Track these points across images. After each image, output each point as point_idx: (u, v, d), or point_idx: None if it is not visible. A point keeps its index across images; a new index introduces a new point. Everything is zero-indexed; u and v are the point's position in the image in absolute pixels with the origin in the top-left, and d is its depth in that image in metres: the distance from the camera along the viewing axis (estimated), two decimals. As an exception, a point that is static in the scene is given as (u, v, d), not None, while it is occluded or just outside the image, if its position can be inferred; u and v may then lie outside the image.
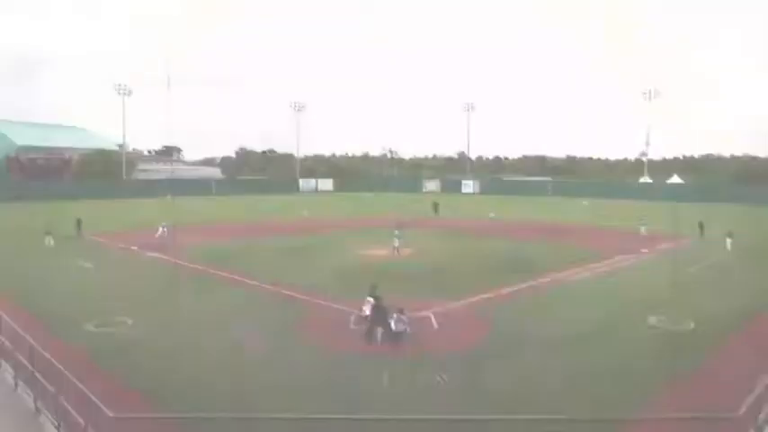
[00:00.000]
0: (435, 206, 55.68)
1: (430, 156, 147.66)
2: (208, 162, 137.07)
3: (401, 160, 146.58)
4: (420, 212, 51.92)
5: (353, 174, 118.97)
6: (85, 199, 62.28)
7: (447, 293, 20.46)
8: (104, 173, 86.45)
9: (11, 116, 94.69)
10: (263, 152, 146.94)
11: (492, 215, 50.48)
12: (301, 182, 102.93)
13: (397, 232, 31.02)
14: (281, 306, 19.36)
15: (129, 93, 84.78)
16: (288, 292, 21.20)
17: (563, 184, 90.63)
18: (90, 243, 35.02)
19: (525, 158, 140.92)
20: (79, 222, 38.90)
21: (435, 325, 17.26)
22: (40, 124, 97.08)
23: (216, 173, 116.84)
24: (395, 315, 15.88)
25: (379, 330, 15.88)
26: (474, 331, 16.65)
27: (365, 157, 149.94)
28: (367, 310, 15.94)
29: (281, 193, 73.91)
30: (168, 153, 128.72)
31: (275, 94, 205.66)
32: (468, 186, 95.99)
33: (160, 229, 36.68)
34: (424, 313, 18.03)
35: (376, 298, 16.30)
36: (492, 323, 17.41)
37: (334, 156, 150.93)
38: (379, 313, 15.77)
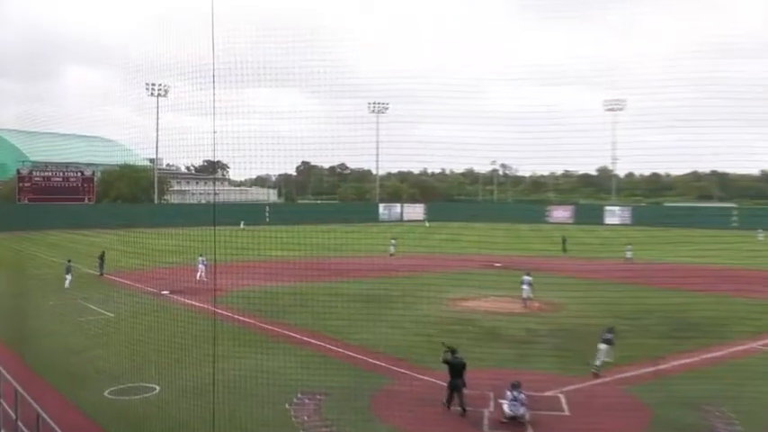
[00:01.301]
0: (564, 242, 56.97)
1: (558, 172, 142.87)
2: (260, 182, 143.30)
3: (518, 179, 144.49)
4: (543, 250, 50.81)
5: (452, 197, 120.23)
6: (109, 226, 65.62)
7: (585, 365, 20.10)
8: (132, 194, 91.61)
9: (23, 124, 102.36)
10: (332, 168, 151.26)
11: (629, 254, 51.21)
12: (382, 207, 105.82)
13: (527, 278, 31.62)
14: (352, 374, 19.82)
15: (165, 93, 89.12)
16: (362, 356, 21.82)
17: (756, 212, 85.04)
18: (113, 285, 37.64)
19: (697, 176, 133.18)
20: (103, 257, 41.91)
21: (566, 409, 16.82)
22: (56, 134, 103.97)
23: (270, 195, 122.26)
24: (509, 393, 15.74)
25: (486, 412, 16.08)
26: (625, 420, 15.94)
27: (469, 175, 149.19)
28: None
29: (354, 222, 75.83)
30: (211, 170, 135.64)
31: (348, 91, 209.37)
32: (614, 215, 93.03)
33: (200, 267, 39.14)
34: (550, 392, 17.83)
35: (452, 351, 16.80)
36: (653, 409, 16.72)
37: (425, 173, 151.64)
38: (456, 372, 16.17)
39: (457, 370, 16.30)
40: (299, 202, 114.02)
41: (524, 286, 31.46)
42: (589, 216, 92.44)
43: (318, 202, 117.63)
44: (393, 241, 57.37)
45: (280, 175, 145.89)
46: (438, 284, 35.27)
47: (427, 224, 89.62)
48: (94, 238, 57.63)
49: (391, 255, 53.63)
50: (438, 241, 56.28)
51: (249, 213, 74.59)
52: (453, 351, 16.79)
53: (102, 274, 41.93)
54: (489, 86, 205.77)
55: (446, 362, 16.58)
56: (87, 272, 40.73)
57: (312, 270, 39.16)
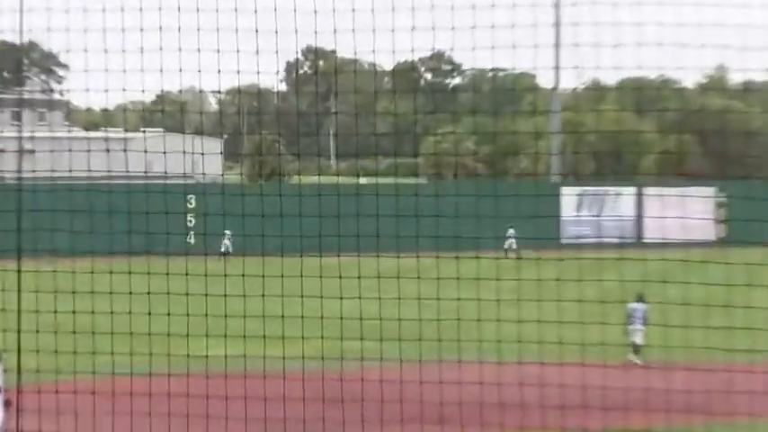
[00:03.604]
0: None
1: None
2: (174, 123, 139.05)
3: None
4: None
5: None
6: None
7: None
8: None
9: None
10: (406, 68, 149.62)
11: None
12: (572, 197, 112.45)
13: None
14: None
15: None
16: None
17: None
18: None
19: None
20: None
21: None
22: None
23: (209, 160, 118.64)
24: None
25: None
26: None
27: None
28: None
29: (483, 245, 71.30)
30: (12, 76, 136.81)
31: None
32: None
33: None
34: None
35: None
36: None
37: (716, 80, 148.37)
38: None
39: None
40: (300, 179, 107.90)
41: None
42: None
43: (363, 181, 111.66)
44: (640, 309, 59.36)
45: (229, 94, 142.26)
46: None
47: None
48: None
49: (636, 357, 56.60)
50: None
51: (144, 222, 72.02)
52: None
53: None
54: None
55: None
56: None
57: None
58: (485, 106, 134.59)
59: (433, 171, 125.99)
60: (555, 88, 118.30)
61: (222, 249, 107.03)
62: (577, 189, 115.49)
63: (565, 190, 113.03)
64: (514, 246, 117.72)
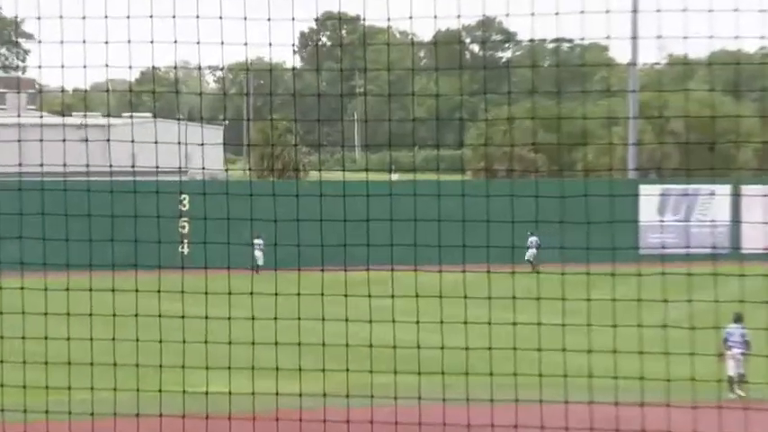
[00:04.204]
0: None
1: None
2: (166, 108, 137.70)
3: None
4: None
5: None
6: None
7: None
8: None
9: None
10: (462, 34, 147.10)
11: None
12: (654, 196, 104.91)
13: None
14: None
15: None
16: None
17: None
18: None
19: None
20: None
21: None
22: None
23: (209, 154, 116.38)
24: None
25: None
26: None
27: None
28: None
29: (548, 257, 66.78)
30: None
31: None
32: None
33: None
34: None
35: None
36: None
37: None
38: None
39: None
40: (321, 175, 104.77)
41: None
42: None
43: (395, 178, 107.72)
44: (737, 333, 54.40)
45: (231, 71, 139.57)
46: None
47: None
48: None
49: (733, 393, 52.32)
50: None
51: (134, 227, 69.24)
52: None
53: None
54: None
55: None
56: None
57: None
58: (545, 85, 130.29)
59: (482, 165, 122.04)
60: (632, 63, 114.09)
61: (259, 263, 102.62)
62: (660, 187, 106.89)
63: (644, 189, 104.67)
64: (528, 257, 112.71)
